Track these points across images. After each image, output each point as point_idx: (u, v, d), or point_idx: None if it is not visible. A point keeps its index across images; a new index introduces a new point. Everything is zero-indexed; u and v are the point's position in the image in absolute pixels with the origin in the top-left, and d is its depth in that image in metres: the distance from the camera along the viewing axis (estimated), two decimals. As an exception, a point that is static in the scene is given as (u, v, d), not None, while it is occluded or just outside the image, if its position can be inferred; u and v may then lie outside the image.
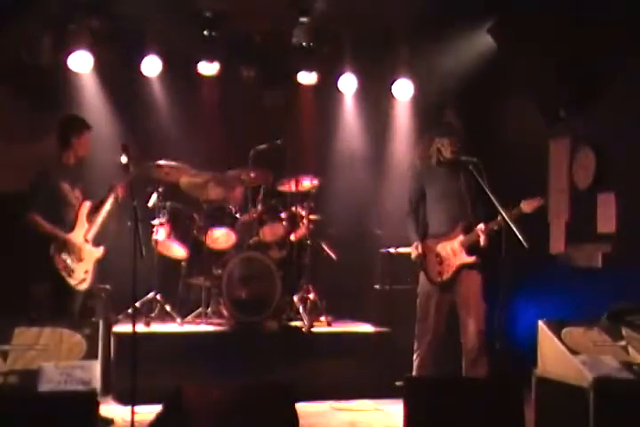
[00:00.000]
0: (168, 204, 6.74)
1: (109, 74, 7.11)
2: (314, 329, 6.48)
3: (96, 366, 3.69)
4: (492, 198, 4.98)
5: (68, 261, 5.05)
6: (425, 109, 7.95)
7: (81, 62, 6.85)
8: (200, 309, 6.55)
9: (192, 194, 6.94)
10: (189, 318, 6.54)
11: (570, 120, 6.62)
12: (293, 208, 7.03)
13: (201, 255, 6.71)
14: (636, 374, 4.12)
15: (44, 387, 3.52)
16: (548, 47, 6.30)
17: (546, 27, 6.19)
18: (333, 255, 7.19)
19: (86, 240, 5.23)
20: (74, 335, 3.87)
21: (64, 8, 6.55)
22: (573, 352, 4.25)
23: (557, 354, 4.32)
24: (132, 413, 4.42)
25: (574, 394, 4.04)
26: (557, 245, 6.87)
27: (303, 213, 6.97)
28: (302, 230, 6.99)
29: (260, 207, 6.94)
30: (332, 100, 8.04)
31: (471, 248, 5.20)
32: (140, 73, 7.21)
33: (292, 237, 7.01)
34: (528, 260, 5.59)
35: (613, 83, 6.24)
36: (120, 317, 6.27)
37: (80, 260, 5.13)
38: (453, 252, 5.22)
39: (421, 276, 5.40)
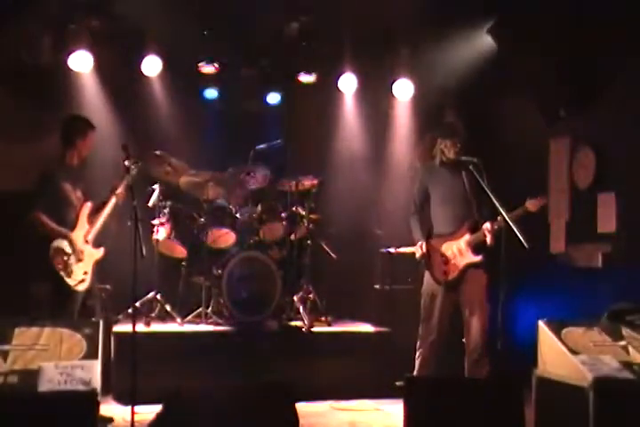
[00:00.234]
0: (168, 203, 6.74)
1: (109, 74, 7.12)
2: (314, 329, 6.48)
3: (96, 366, 3.69)
4: (493, 198, 4.98)
5: (68, 261, 5.05)
6: (425, 109, 7.95)
7: (81, 62, 6.86)
8: (200, 309, 6.54)
9: (192, 194, 6.94)
10: (189, 317, 6.54)
11: (570, 120, 6.63)
12: (293, 208, 7.03)
13: (201, 255, 6.71)
14: (636, 374, 4.12)
15: (44, 387, 3.52)
16: (548, 47, 6.30)
17: (546, 27, 6.19)
18: (333, 255, 7.19)
19: (86, 241, 5.22)
20: (74, 335, 3.87)
21: (64, 8, 6.55)
22: (573, 352, 4.25)
23: (557, 354, 4.32)
24: (132, 413, 4.42)
25: (574, 394, 4.04)
26: (557, 245, 6.87)
27: (303, 212, 6.97)
28: (302, 230, 6.99)
29: (259, 207, 6.94)
30: (332, 100, 8.05)
31: (477, 247, 5.19)
32: (140, 73, 7.21)
33: (292, 237, 7.01)
34: (528, 260, 5.59)
35: (613, 83, 6.24)
36: (120, 316, 6.27)
37: (80, 260, 5.13)
38: (460, 251, 5.21)
39: (426, 276, 5.38)
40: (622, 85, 6.15)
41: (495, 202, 4.96)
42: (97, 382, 3.58)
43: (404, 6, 6.43)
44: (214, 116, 7.76)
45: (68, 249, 5.08)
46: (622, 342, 4.42)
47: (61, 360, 3.70)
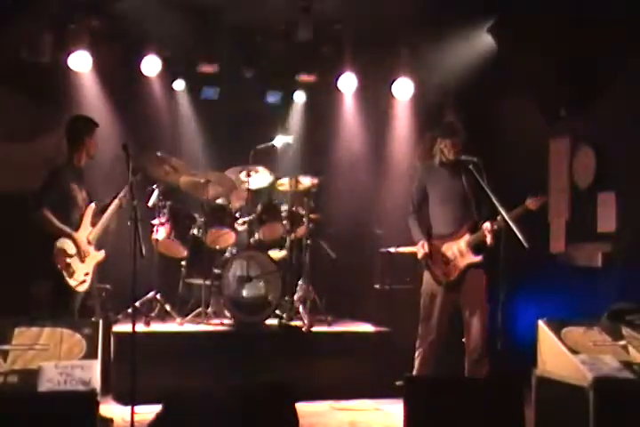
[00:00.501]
0: (168, 203, 6.74)
1: (109, 74, 7.12)
2: (314, 329, 6.48)
3: (96, 366, 3.69)
4: (493, 198, 4.97)
5: (71, 261, 5.06)
6: (425, 109, 7.96)
7: (81, 62, 6.87)
8: (200, 309, 6.54)
9: (192, 194, 6.94)
10: (189, 317, 6.53)
11: (570, 120, 6.63)
12: (293, 208, 7.03)
13: (201, 255, 6.71)
14: (636, 373, 4.12)
15: (44, 387, 3.52)
16: (548, 47, 6.30)
17: (546, 27, 6.19)
18: (333, 255, 7.19)
19: (89, 242, 5.24)
20: (74, 335, 3.87)
21: (64, 8, 6.56)
22: (573, 352, 4.25)
23: (557, 354, 4.32)
24: (132, 413, 4.42)
25: (574, 394, 4.04)
26: (557, 244, 6.87)
27: (303, 212, 6.97)
28: (302, 230, 6.99)
29: (259, 207, 6.94)
30: (332, 100, 8.05)
31: (477, 248, 5.19)
32: (140, 73, 7.21)
33: (292, 237, 7.01)
34: (528, 259, 5.59)
35: (613, 83, 6.24)
36: (120, 316, 6.27)
37: (82, 261, 5.14)
38: (460, 252, 5.20)
39: (425, 276, 5.36)
40: (622, 85, 6.15)
41: (495, 202, 4.96)
42: (97, 382, 3.58)
43: (403, 6, 6.43)
44: (214, 116, 7.76)
45: (71, 249, 5.09)
46: (622, 342, 4.42)
47: (61, 360, 3.70)
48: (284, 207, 7.00)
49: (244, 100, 7.77)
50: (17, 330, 3.85)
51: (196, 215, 6.88)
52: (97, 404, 3.53)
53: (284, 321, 6.57)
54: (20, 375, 3.58)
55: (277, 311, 6.57)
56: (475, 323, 5.16)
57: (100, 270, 5.44)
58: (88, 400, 3.49)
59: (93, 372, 3.64)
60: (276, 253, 6.96)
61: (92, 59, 6.88)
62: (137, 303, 6.18)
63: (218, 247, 6.80)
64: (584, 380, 4.02)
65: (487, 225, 5.07)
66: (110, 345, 5.70)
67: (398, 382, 4.27)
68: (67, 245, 5.07)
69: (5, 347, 3.74)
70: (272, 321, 6.53)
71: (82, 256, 5.12)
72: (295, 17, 6.97)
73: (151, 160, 6.34)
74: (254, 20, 6.92)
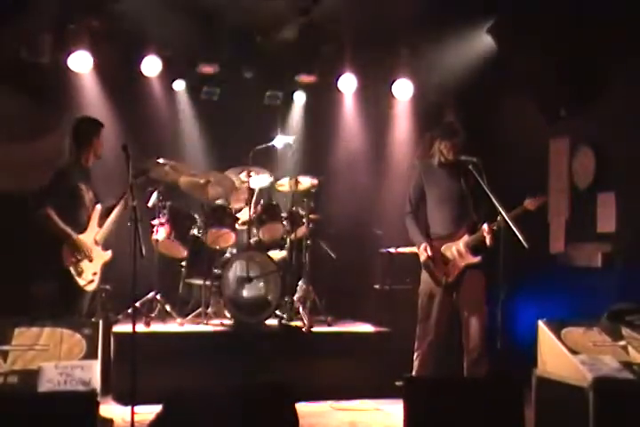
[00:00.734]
0: (168, 204, 6.74)
1: (109, 74, 7.12)
2: (314, 329, 6.47)
3: (96, 366, 3.69)
4: (492, 198, 4.97)
5: (79, 260, 5.09)
6: (425, 109, 7.96)
7: (81, 62, 6.87)
8: (200, 309, 6.54)
9: (192, 194, 6.94)
10: (189, 318, 6.53)
11: (570, 120, 6.62)
12: (293, 208, 7.03)
13: (201, 255, 6.71)
14: (635, 374, 4.12)
15: (44, 387, 3.52)
16: (548, 47, 6.30)
17: (546, 27, 6.19)
18: (333, 255, 7.19)
19: (96, 242, 5.26)
20: (74, 335, 3.87)
21: (64, 8, 6.55)
22: (573, 352, 4.25)
23: (557, 354, 4.32)
24: (132, 413, 4.42)
25: (574, 394, 4.04)
26: (557, 244, 6.87)
27: (303, 212, 6.96)
28: (302, 230, 6.99)
29: (259, 207, 6.94)
30: (332, 100, 8.05)
31: (476, 248, 5.19)
32: (140, 73, 7.21)
33: (292, 237, 7.01)
34: (528, 260, 5.59)
35: (613, 83, 6.24)
36: (120, 317, 6.27)
37: (90, 261, 5.16)
38: (459, 252, 5.20)
39: (423, 276, 5.37)
40: (622, 85, 6.15)
41: (495, 202, 4.96)
42: (97, 383, 3.58)
43: (403, 6, 6.43)
44: (214, 116, 7.76)
45: (78, 249, 5.11)
46: (622, 342, 4.42)
47: (61, 360, 3.70)
48: (284, 208, 7.01)
49: (244, 100, 7.77)
50: (17, 330, 3.86)
51: (196, 215, 6.88)
52: (97, 404, 3.53)
53: (284, 321, 6.57)
54: (20, 376, 3.58)
55: (277, 312, 6.57)
56: (473, 323, 5.16)
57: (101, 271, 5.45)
58: (88, 400, 3.49)
59: (93, 372, 3.64)
60: (276, 254, 6.95)
61: (92, 59, 6.88)
62: (137, 304, 6.18)
63: (218, 247, 6.79)
64: (584, 380, 4.02)
65: (485, 226, 5.07)
66: (110, 345, 5.70)
67: (398, 383, 4.27)
68: (74, 244, 5.10)
69: (5, 347, 3.74)
70: (272, 321, 6.53)
71: (89, 256, 5.15)
72: (295, 17, 6.98)
73: (152, 163, 6.34)
74: (254, 20, 6.92)
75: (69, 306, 5.04)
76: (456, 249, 5.22)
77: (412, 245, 5.51)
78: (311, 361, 6.05)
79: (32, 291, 6.00)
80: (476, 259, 5.19)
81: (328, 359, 6.13)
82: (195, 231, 6.84)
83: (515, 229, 4.81)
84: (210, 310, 6.58)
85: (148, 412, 4.20)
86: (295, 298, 6.78)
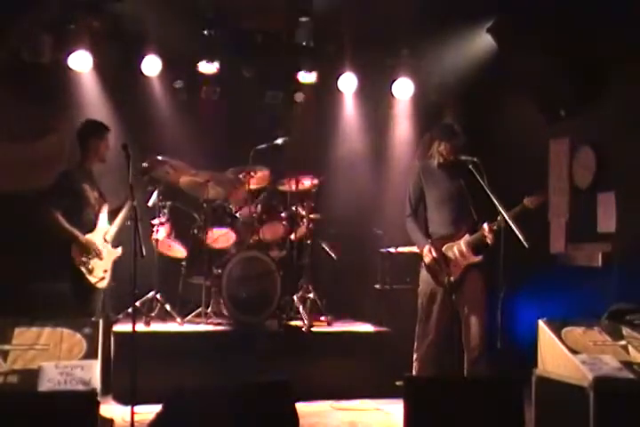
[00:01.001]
0: (168, 203, 6.74)
1: (109, 74, 7.12)
2: (314, 329, 6.48)
3: (96, 366, 3.69)
4: (492, 198, 4.97)
5: (88, 259, 5.12)
6: (425, 109, 7.96)
7: (81, 62, 6.86)
8: (200, 308, 6.54)
9: (192, 194, 6.94)
10: (189, 317, 6.53)
11: (570, 120, 6.62)
12: (293, 208, 7.03)
13: (201, 255, 6.71)
14: (636, 373, 4.12)
15: (44, 387, 3.52)
16: (548, 47, 6.29)
17: (546, 27, 6.19)
18: (333, 255, 7.19)
19: (105, 240, 5.30)
20: (74, 335, 3.87)
21: (64, 8, 6.55)
22: (573, 352, 4.25)
23: (557, 354, 4.32)
24: (132, 413, 4.42)
25: (574, 394, 4.04)
26: (557, 244, 6.87)
27: (303, 212, 6.97)
28: (302, 230, 6.99)
29: (259, 207, 6.94)
30: (332, 100, 8.04)
31: (477, 248, 5.19)
32: (140, 73, 7.21)
33: (292, 237, 7.01)
34: (528, 259, 5.59)
35: (613, 83, 6.24)
36: (120, 316, 6.27)
37: (100, 259, 5.20)
38: (461, 252, 5.19)
39: (422, 276, 5.35)
40: (622, 85, 6.15)
41: (495, 201, 4.96)
42: (97, 382, 3.58)
43: (403, 6, 6.43)
44: (214, 116, 7.75)
45: (87, 249, 5.13)
46: (622, 342, 4.42)
47: (61, 360, 3.70)
48: (284, 208, 7.01)
49: (244, 100, 7.77)
50: (17, 330, 3.86)
51: (196, 215, 6.88)
52: (97, 404, 3.53)
53: (284, 321, 6.57)
54: (20, 375, 3.58)
55: (277, 311, 6.57)
56: (474, 323, 5.16)
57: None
58: (88, 400, 3.49)
59: (93, 372, 3.64)
60: (276, 253, 6.95)
61: (92, 59, 6.88)
62: (137, 303, 6.18)
63: (218, 247, 6.79)
64: (584, 380, 4.02)
65: (486, 225, 5.06)
66: (110, 345, 5.70)
67: (398, 382, 4.27)
68: (82, 244, 5.13)
69: (5, 347, 3.75)
70: (272, 321, 6.53)
71: (99, 254, 5.18)
72: (295, 17, 6.98)
73: (152, 162, 6.35)
74: (254, 20, 6.91)
75: (82, 304, 5.08)
76: (457, 249, 5.21)
77: (413, 244, 5.50)
78: (311, 361, 6.05)
79: (54, 289, 6.00)
80: (478, 258, 5.19)
81: (328, 359, 6.13)
82: (195, 231, 6.84)
83: (515, 228, 4.80)
84: (210, 309, 6.58)
85: (148, 412, 4.20)
86: (295, 298, 6.78)
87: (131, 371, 4.41)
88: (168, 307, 6.56)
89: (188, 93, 7.61)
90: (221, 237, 6.76)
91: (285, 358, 5.92)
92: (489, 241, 5.05)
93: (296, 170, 7.11)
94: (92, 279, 5.15)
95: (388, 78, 7.79)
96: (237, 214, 6.93)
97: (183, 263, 6.90)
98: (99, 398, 3.53)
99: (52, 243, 5.32)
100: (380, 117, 8.12)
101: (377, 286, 7.16)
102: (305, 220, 6.94)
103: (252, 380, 3.85)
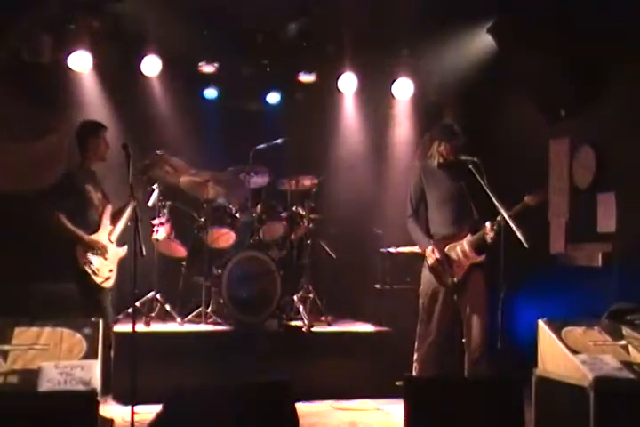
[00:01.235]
0: (168, 203, 6.74)
1: (109, 74, 7.12)
2: (314, 329, 6.48)
3: (96, 366, 3.69)
4: (492, 198, 4.97)
5: (93, 259, 5.13)
6: (425, 109, 7.96)
7: (81, 62, 6.87)
8: (200, 308, 6.54)
9: (192, 194, 6.94)
10: (189, 317, 6.54)
11: (570, 120, 6.62)
12: (293, 208, 7.03)
13: (201, 255, 6.72)
14: (636, 373, 4.12)
15: (44, 387, 3.52)
16: (548, 47, 6.29)
17: (546, 27, 6.19)
18: (333, 255, 7.19)
19: (110, 241, 5.31)
20: (74, 335, 3.87)
21: (64, 8, 6.55)
22: (573, 352, 4.25)
23: (557, 354, 4.32)
24: (132, 413, 4.42)
25: (574, 394, 4.04)
26: (557, 244, 6.87)
27: (303, 212, 6.97)
28: (302, 230, 6.99)
29: (259, 207, 6.94)
30: (332, 100, 8.04)
31: (479, 247, 5.18)
32: (140, 73, 7.21)
33: (292, 237, 7.01)
34: (528, 260, 5.58)
35: (613, 83, 6.24)
36: (120, 316, 6.27)
37: (105, 258, 5.21)
38: (464, 253, 5.18)
39: (424, 277, 5.34)
40: (622, 85, 6.15)
41: (495, 201, 4.96)
42: (97, 382, 3.58)
43: (403, 6, 6.43)
44: (214, 116, 7.76)
45: (92, 249, 5.14)
46: (622, 342, 4.42)
47: (61, 360, 3.70)
48: (284, 208, 7.01)
49: (244, 100, 7.77)
50: (17, 330, 3.85)
51: (196, 215, 6.88)
52: (97, 404, 3.53)
53: (283, 321, 6.57)
54: (20, 375, 3.58)
55: (277, 311, 6.57)
56: (475, 323, 5.15)
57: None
58: (88, 400, 3.49)
59: (93, 372, 3.64)
60: (276, 253, 6.95)
61: (92, 59, 6.88)
62: (137, 303, 6.18)
63: (218, 247, 6.80)
64: (584, 380, 4.02)
65: (488, 224, 5.06)
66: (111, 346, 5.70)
67: (398, 382, 4.27)
68: (87, 245, 5.14)
69: (5, 347, 3.74)
70: (272, 321, 6.53)
71: (104, 254, 5.19)
72: (295, 17, 6.98)
73: (152, 160, 6.35)
74: (254, 20, 6.91)
75: (90, 304, 5.09)
76: (460, 249, 5.20)
77: (413, 244, 5.50)
78: (311, 361, 6.05)
79: (44, 291, 6.01)
80: (481, 258, 5.18)
81: (328, 359, 6.13)
82: (195, 231, 6.84)
83: (515, 228, 4.80)
84: (210, 309, 6.58)
85: (148, 412, 4.21)
86: (295, 298, 6.78)
87: (131, 371, 4.41)
88: (168, 307, 6.56)
89: (187, 93, 7.61)
90: (221, 237, 6.76)
91: (285, 358, 5.92)
92: (490, 240, 5.04)
93: (296, 170, 7.12)
94: (98, 279, 5.15)
95: (387, 78, 7.79)
96: (237, 214, 6.93)
97: (183, 263, 6.90)
98: (99, 398, 3.53)
99: (54, 243, 5.32)
100: (379, 117, 8.12)
101: (377, 286, 7.16)
102: (305, 220, 6.95)
103: (251, 380, 3.85)
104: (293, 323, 6.63)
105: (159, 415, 3.32)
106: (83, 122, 5.54)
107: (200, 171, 6.83)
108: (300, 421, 3.55)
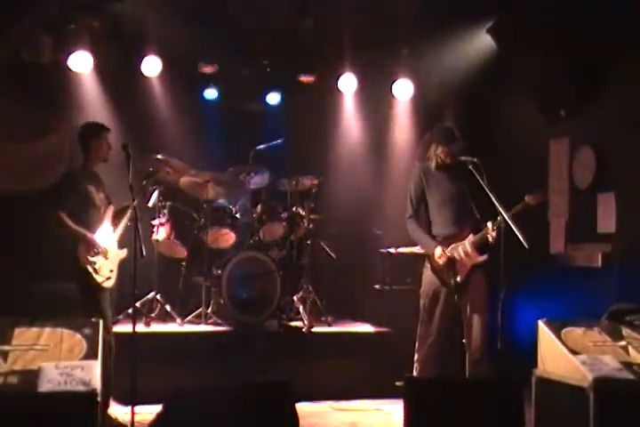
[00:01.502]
0: (168, 204, 6.74)
1: (109, 74, 7.12)
2: (314, 329, 6.48)
3: (96, 367, 3.69)
4: (492, 198, 4.97)
5: (94, 258, 5.13)
6: (425, 109, 7.96)
7: (81, 62, 6.86)
8: (200, 309, 6.54)
9: (192, 194, 6.94)
10: (189, 318, 6.54)
11: (570, 120, 6.62)
12: (293, 208, 7.03)
13: (201, 255, 6.72)
14: (636, 374, 4.12)
15: (44, 387, 3.51)
16: (548, 47, 6.29)
17: (546, 27, 6.19)
18: (333, 255, 7.19)
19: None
20: (74, 336, 3.87)
21: (64, 8, 6.55)
22: (573, 352, 4.24)
23: (557, 354, 4.32)
24: (132, 413, 4.42)
25: (574, 394, 4.04)
26: (557, 244, 6.87)
27: (303, 212, 6.97)
28: (302, 230, 6.99)
29: (259, 207, 6.94)
30: (332, 100, 8.05)
31: (481, 247, 5.17)
32: (140, 73, 7.21)
33: (292, 237, 7.01)
34: (528, 260, 5.58)
35: (613, 83, 6.24)
36: (120, 317, 6.27)
37: (106, 258, 5.22)
38: (466, 253, 5.17)
39: (425, 277, 5.32)
40: (622, 85, 6.15)
41: (495, 201, 4.95)
42: (97, 383, 3.58)
43: (403, 6, 6.43)
44: (214, 116, 7.76)
45: (93, 248, 5.16)
46: (622, 343, 4.41)
47: (61, 361, 3.70)
48: (284, 208, 7.02)
49: (244, 100, 7.77)
50: (17, 330, 3.85)
51: (196, 215, 6.88)
52: (97, 404, 3.53)
53: (283, 321, 6.57)
54: (20, 376, 3.57)
55: (277, 312, 6.58)
56: (476, 324, 5.15)
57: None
58: (88, 401, 3.49)
59: (94, 372, 3.64)
60: (276, 254, 6.95)
61: (92, 59, 6.88)
62: (137, 304, 6.18)
63: (218, 247, 6.80)
64: (584, 380, 4.02)
65: (489, 224, 5.05)
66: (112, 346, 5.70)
67: (398, 383, 4.27)
68: (88, 243, 5.15)
69: (5, 347, 3.74)
70: (272, 321, 6.53)
71: (104, 254, 5.20)
72: (295, 17, 6.98)
73: (155, 167, 6.36)
74: (254, 20, 6.91)
75: (90, 304, 5.09)
76: (462, 249, 5.19)
77: (413, 245, 5.49)
78: (311, 361, 6.05)
79: (44, 291, 6.01)
80: (483, 258, 5.16)
81: (328, 359, 6.14)
82: (195, 231, 6.84)
83: (515, 229, 4.80)
84: (210, 310, 6.58)
85: (148, 412, 4.21)
86: (295, 298, 6.78)
87: (131, 371, 4.41)
88: (168, 307, 6.57)
89: (187, 94, 7.61)
90: (221, 237, 6.76)
91: (285, 359, 5.92)
92: (491, 239, 5.04)
93: (296, 170, 7.12)
94: (99, 278, 5.16)
95: (387, 78, 7.79)
96: (237, 214, 6.94)
97: (183, 264, 6.90)
98: (99, 399, 3.53)
99: (55, 242, 5.32)
100: (379, 118, 8.13)
101: (377, 287, 7.16)
102: (305, 220, 6.95)
103: (252, 380, 3.85)
104: (293, 323, 6.63)
105: (159, 416, 3.32)
106: (85, 123, 5.55)
107: (200, 171, 6.83)
108: (300, 421, 3.55)
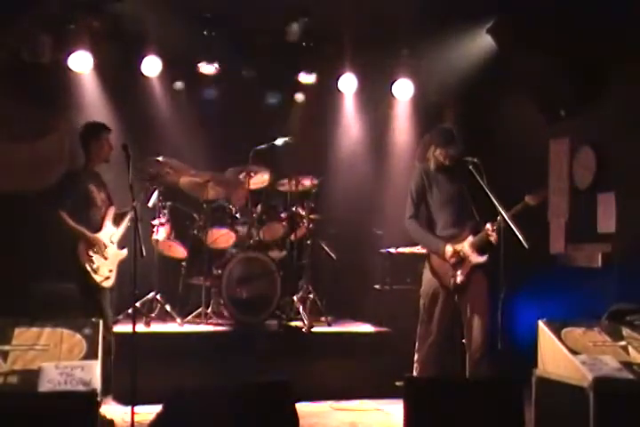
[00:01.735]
0: (168, 204, 6.74)
1: (109, 74, 7.12)
2: (314, 329, 6.48)
3: (96, 367, 3.69)
4: (492, 198, 4.96)
5: (94, 258, 5.14)
6: (425, 109, 7.96)
7: (81, 62, 6.86)
8: (200, 309, 6.54)
9: (192, 194, 6.94)
10: (189, 318, 6.53)
11: (570, 120, 6.62)
12: (293, 208, 7.03)
13: (201, 255, 6.72)
14: (636, 374, 4.12)
15: (44, 387, 3.52)
16: (548, 47, 6.30)
17: (546, 27, 6.19)
18: (333, 255, 7.19)
19: (111, 242, 5.32)
20: (74, 336, 3.87)
21: (64, 8, 6.55)
22: (573, 352, 4.25)
23: (557, 354, 4.32)
24: (132, 413, 4.42)
25: (574, 394, 4.04)
26: (557, 244, 6.87)
27: (303, 212, 6.97)
28: (302, 230, 6.99)
29: (260, 207, 6.94)
30: (332, 100, 8.04)
31: (482, 248, 5.16)
32: (140, 73, 7.21)
33: (292, 237, 7.01)
34: (528, 260, 5.58)
35: (613, 83, 6.24)
36: (120, 317, 6.27)
37: (105, 258, 5.22)
38: (465, 254, 5.18)
39: (425, 277, 5.32)
40: (622, 85, 6.15)
41: (495, 202, 4.95)
42: (97, 383, 3.58)
43: (403, 6, 6.43)
44: (214, 116, 7.76)
45: (93, 247, 5.15)
46: (622, 343, 4.41)
47: (61, 360, 3.70)
48: (284, 208, 7.01)
49: (244, 101, 7.77)
50: (17, 330, 3.85)
51: (196, 215, 6.88)
52: (97, 404, 3.53)
53: (283, 321, 6.57)
54: (20, 376, 3.57)
55: (277, 312, 6.57)
56: (476, 324, 5.14)
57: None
58: (88, 400, 3.49)
59: (94, 372, 3.64)
60: (276, 254, 6.95)
61: (92, 59, 6.88)
62: (137, 304, 6.18)
63: (218, 247, 6.79)
64: (584, 380, 4.02)
65: (489, 225, 5.05)
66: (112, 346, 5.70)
67: (398, 383, 4.27)
68: (88, 242, 5.15)
69: (5, 347, 3.74)
70: (272, 321, 6.53)
71: (104, 254, 5.20)
72: (295, 17, 6.98)
73: (156, 169, 6.36)
74: (254, 20, 6.91)
75: (89, 303, 5.09)
76: (462, 250, 5.19)
77: (413, 245, 5.49)
78: (311, 361, 6.05)
79: (51, 292, 6.02)
80: (483, 258, 5.15)
81: (328, 359, 6.14)
82: (195, 231, 6.84)
83: (515, 229, 4.80)
84: (210, 310, 6.58)
85: (148, 412, 4.21)
86: (295, 298, 6.78)
87: (131, 371, 4.41)
88: (168, 307, 6.56)
89: (187, 94, 7.61)
90: (221, 237, 6.76)
91: (285, 359, 5.92)
92: (493, 240, 5.03)
93: (296, 170, 7.12)
94: (98, 278, 5.17)
95: (387, 79, 7.79)
96: (237, 214, 6.93)
97: (183, 264, 6.90)
98: (99, 399, 3.53)
99: (55, 242, 5.33)
100: (379, 118, 8.12)
101: (377, 287, 7.16)
102: (305, 220, 6.95)
103: (252, 380, 3.85)
104: (293, 323, 6.63)
105: (159, 416, 3.32)
106: (86, 124, 5.55)
107: (200, 171, 6.83)
108: (300, 421, 3.55)
